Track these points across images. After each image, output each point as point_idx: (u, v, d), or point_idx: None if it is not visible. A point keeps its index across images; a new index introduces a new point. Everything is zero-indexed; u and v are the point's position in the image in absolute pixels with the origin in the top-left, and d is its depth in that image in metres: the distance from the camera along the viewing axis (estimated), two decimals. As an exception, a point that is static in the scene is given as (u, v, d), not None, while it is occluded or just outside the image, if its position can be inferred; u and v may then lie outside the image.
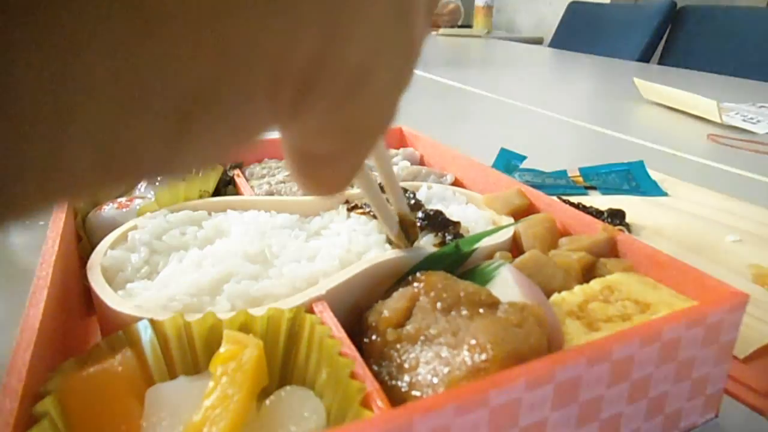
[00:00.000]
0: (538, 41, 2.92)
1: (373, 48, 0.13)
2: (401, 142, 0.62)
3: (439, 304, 0.27)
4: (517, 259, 0.33)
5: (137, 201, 0.41)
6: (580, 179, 0.67)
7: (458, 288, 0.28)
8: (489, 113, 1.12)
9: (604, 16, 2.37)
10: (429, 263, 0.34)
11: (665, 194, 0.63)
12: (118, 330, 0.26)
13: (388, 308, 0.28)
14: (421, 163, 0.58)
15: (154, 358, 0.26)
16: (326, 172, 0.17)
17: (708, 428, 0.29)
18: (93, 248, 0.34)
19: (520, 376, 0.21)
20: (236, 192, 0.48)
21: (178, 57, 0.10)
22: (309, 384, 0.26)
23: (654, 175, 0.67)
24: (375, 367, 0.26)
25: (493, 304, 0.27)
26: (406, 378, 0.25)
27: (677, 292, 0.30)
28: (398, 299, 0.28)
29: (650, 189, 0.65)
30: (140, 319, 0.27)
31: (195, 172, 0.13)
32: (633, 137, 0.91)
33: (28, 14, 0.08)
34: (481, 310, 0.26)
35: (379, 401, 0.23)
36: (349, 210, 0.41)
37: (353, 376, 0.24)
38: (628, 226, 0.52)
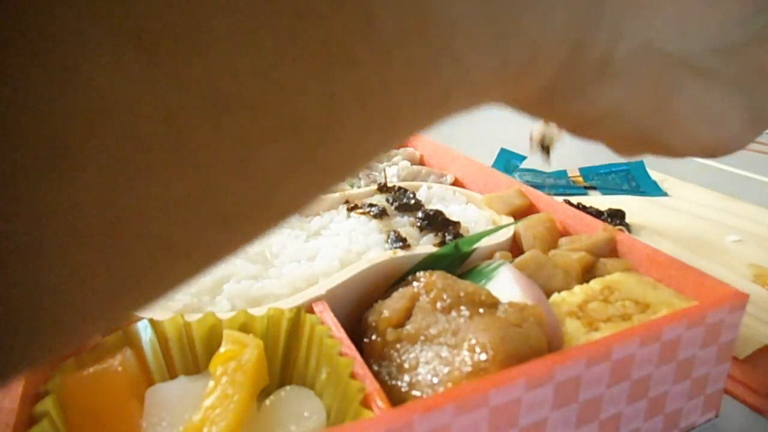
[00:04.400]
0: (538, 41, 2.92)
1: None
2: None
3: (439, 304, 0.27)
4: (517, 259, 0.33)
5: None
6: (580, 179, 0.67)
7: (458, 288, 0.28)
8: (489, 113, 1.12)
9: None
10: (429, 263, 0.34)
11: (665, 194, 0.63)
12: (118, 330, 0.26)
13: (388, 308, 0.28)
14: (421, 163, 0.58)
15: (154, 358, 0.26)
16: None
17: (708, 428, 0.29)
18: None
19: (520, 376, 0.21)
20: (236, 192, 0.48)
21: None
22: (309, 384, 0.26)
23: (654, 175, 0.67)
24: (375, 367, 0.26)
25: (493, 304, 0.27)
26: (406, 378, 0.25)
27: (677, 292, 0.30)
28: (398, 299, 0.28)
29: (650, 189, 0.65)
30: (140, 319, 0.27)
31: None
32: (633, 137, 0.91)
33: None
34: (481, 310, 0.26)
35: (379, 401, 0.23)
36: (349, 210, 0.41)
37: (353, 376, 0.24)
38: (628, 226, 0.52)
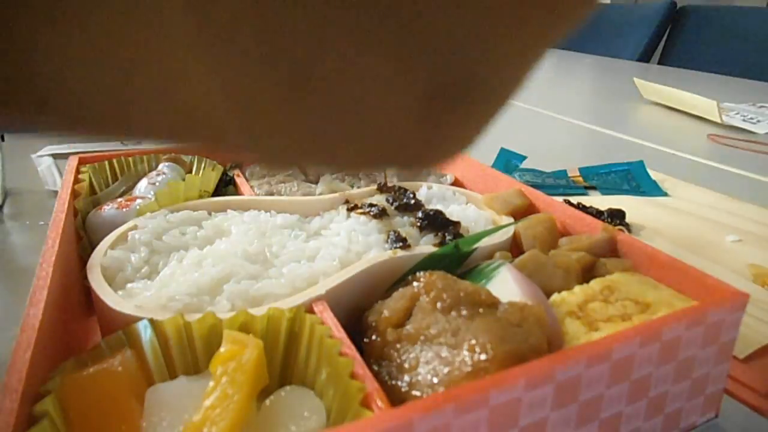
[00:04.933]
0: (538, 41, 2.92)
1: None
2: (401, 142, 0.62)
3: (439, 304, 0.27)
4: (517, 259, 0.33)
5: (137, 201, 0.41)
6: (580, 179, 0.67)
7: (458, 288, 0.28)
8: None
9: (604, 16, 2.37)
10: (429, 263, 0.34)
11: (665, 194, 0.63)
12: (118, 330, 0.26)
13: (388, 308, 0.28)
14: (421, 163, 0.58)
15: (154, 358, 0.26)
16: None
17: (708, 428, 0.29)
18: (93, 248, 0.34)
19: (520, 376, 0.21)
20: (236, 192, 0.48)
21: None
22: (309, 384, 0.26)
23: (654, 175, 0.67)
24: (375, 367, 0.26)
25: (493, 304, 0.27)
26: (406, 378, 0.25)
27: (677, 292, 0.30)
28: (398, 299, 0.28)
29: (650, 189, 0.65)
30: (140, 319, 0.27)
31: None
32: (633, 137, 0.91)
33: None
34: (481, 310, 0.26)
35: (379, 401, 0.23)
36: (349, 210, 0.41)
37: (353, 376, 0.24)
38: (628, 226, 0.52)
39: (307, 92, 0.09)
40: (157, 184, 0.45)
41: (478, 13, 0.09)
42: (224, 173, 0.50)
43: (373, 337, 0.27)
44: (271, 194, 0.47)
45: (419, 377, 0.24)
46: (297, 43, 0.08)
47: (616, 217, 0.52)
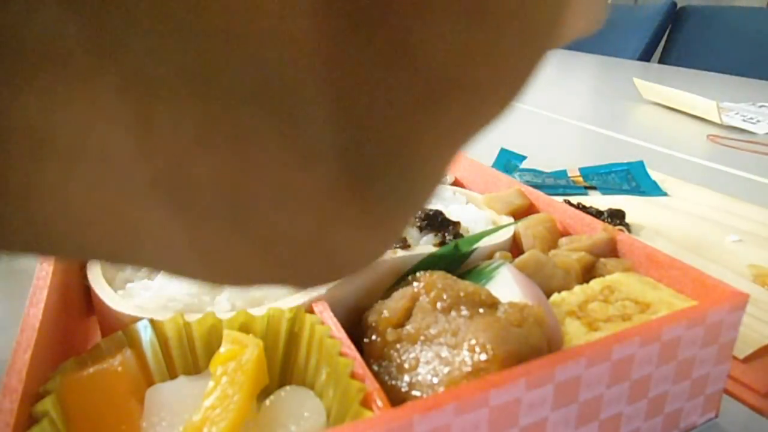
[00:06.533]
0: (538, 41, 2.92)
1: None
2: (401, 142, 0.62)
3: (439, 304, 0.27)
4: (517, 259, 0.33)
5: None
6: (580, 179, 0.67)
7: (458, 288, 0.28)
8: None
9: (604, 16, 2.37)
10: (429, 263, 0.34)
11: (665, 194, 0.63)
12: (118, 330, 0.26)
13: (388, 308, 0.28)
14: (421, 163, 0.58)
15: (154, 358, 0.26)
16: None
17: (708, 428, 0.29)
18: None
19: (520, 376, 0.21)
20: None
21: None
22: (309, 384, 0.26)
23: (654, 175, 0.67)
24: (375, 367, 0.26)
25: (493, 304, 0.27)
26: (406, 378, 0.25)
27: (677, 292, 0.30)
28: (398, 299, 0.28)
29: (650, 189, 0.65)
30: (140, 319, 0.27)
31: None
32: (633, 137, 0.91)
33: None
34: (481, 310, 0.26)
35: (379, 401, 0.23)
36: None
37: (353, 376, 0.24)
38: (628, 226, 0.52)
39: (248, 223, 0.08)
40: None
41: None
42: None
43: (373, 337, 0.27)
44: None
45: (419, 377, 0.24)
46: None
47: (616, 217, 0.52)
